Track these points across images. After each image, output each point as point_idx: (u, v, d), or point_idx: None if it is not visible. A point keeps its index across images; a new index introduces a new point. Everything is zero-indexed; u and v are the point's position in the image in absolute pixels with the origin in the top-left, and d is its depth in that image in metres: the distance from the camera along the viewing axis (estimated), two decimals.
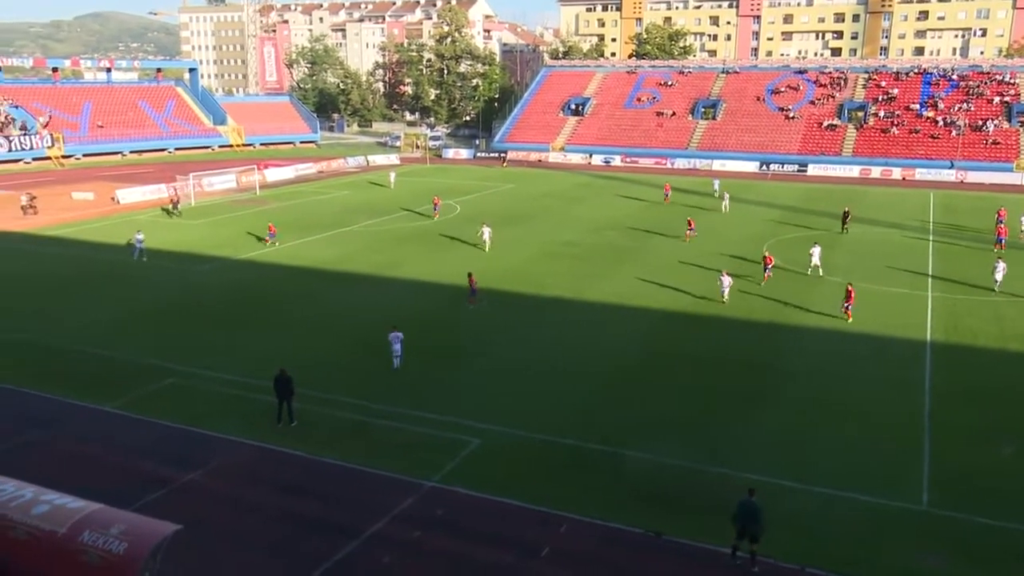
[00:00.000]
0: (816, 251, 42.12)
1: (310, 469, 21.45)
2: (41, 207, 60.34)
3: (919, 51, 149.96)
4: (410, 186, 76.16)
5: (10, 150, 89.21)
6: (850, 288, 34.34)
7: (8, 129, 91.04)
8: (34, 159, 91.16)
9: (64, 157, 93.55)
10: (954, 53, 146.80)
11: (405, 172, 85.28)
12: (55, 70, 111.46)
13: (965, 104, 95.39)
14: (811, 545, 17.93)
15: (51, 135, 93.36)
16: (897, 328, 33.53)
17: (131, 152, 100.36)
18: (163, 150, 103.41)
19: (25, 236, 52.36)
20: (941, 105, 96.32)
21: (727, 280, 36.64)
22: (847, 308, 34.13)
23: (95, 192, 68.09)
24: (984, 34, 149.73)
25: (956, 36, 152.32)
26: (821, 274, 41.38)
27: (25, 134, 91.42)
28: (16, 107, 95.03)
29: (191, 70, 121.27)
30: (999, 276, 39.08)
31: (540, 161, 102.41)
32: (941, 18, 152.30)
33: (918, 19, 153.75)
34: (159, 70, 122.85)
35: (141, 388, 26.69)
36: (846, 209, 55.91)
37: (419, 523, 18.81)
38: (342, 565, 17.24)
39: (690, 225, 51.44)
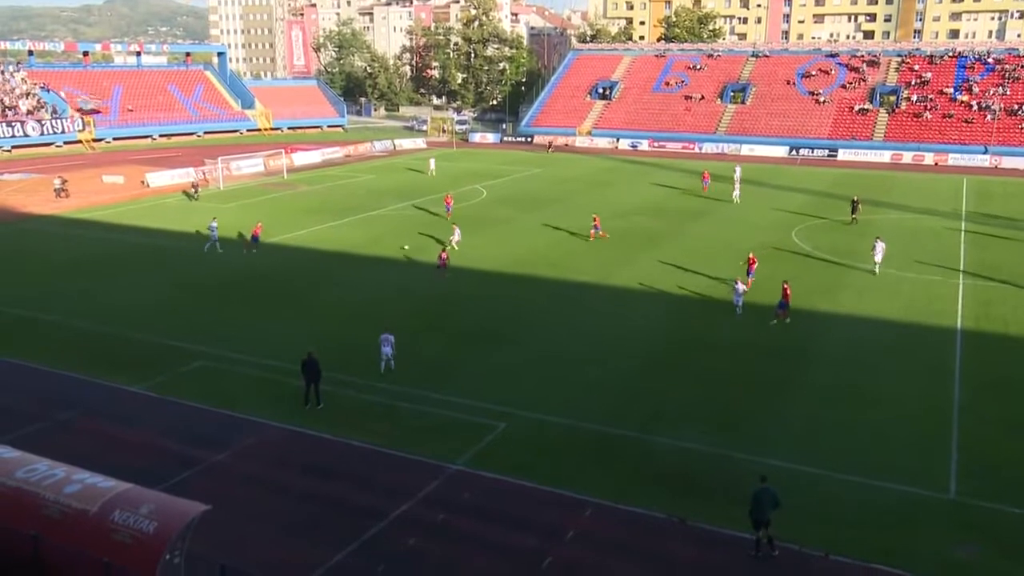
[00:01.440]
0: (880, 246, 39.59)
1: (336, 451, 21.64)
2: (73, 190, 61.11)
3: (954, 34, 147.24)
4: (437, 170, 75.89)
5: (42, 134, 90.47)
6: (786, 287, 31.98)
7: (40, 113, 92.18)
8: (65, 143, 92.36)
9: (95, 141, 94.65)
10: (990, 36, 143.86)
11: (432, 156, 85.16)
12: (86, 54, 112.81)
13: (1001, 88, 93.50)
14: (836, 532, 17.82)
15: (82, 119, 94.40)
16: (927, 315, 33.12)
17: (160, 136, 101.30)
18: (192, 134, 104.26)
19: (58, 219, 53.08)
20: (976, 89, 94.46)
21: (741, 288, 33.52)
22: (783, 311, 31.80)
23: (125, 176, 68.77)
24: (1022, 16, 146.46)
25: (992, 18, 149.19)
26: (878, 271, 39.26)
27: (56, 118, 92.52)
28: (48, 91, 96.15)
29: (220, 54, 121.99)
30: None
31: (567, 145, 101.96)
32: (977, 0, 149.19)
33: (953, 1, 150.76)
34: (188, 54, 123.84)
35: (170, 370, 27.05)
36: (855, 198, 53.62)
37: (444, 506, 18.93)
38: (367, 546, 17.39)
39: (595, 223, 47.06)
